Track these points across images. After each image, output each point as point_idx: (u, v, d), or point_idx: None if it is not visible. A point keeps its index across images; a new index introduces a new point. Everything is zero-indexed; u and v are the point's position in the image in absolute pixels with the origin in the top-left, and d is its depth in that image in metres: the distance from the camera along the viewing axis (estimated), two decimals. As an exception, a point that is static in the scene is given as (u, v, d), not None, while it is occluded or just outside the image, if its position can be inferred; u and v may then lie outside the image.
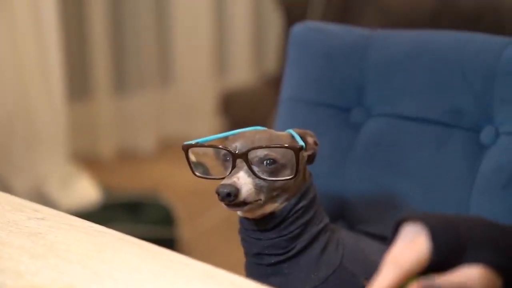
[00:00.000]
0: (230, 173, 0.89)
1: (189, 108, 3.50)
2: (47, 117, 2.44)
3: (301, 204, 0.93)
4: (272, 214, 0.92)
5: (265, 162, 0.90)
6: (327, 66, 1.21)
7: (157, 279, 0.71)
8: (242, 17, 3.62)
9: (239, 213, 0.94)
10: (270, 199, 0.91)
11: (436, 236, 0.70)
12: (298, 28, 1.26)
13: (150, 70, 3.35)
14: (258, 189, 0.89)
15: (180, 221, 2.41)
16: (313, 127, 1.00)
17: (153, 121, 3.39)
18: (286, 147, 0.90)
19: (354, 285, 0.93)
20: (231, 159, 0.90)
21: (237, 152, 0.90)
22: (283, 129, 0.96)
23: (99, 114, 3.21)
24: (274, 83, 2.34)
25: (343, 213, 1.15)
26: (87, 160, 3.01)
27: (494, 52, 1.07)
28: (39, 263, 0.74)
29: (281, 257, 0.93)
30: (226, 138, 0.95)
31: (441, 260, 0.69)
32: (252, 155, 0.89)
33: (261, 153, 0.90)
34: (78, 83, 3.12)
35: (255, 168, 0.89)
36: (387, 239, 0.77)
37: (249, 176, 0.89)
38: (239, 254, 0.98)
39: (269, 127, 0.99)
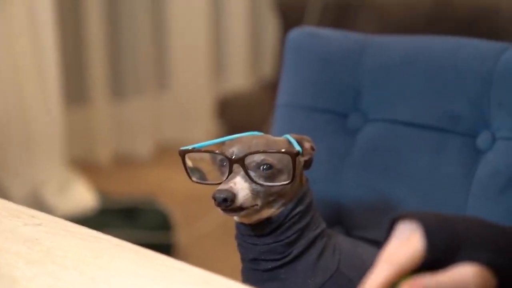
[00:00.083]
0: (226, 178, 0.89)
1: (186, 113, 3.50)
2: (44, 122, 2.44)
3: (297, 210, 0.93)
4: (268, 220, 0.92)
5: (261, 167, 0.89)
6: (324, 71, 1.21)
7: (153, 285, 0.71)
8: (239, 22, 3.62)
9: (235, 218, 0.93)
10: (267, 204, 0.91)
11: (430, 234, 0.69)
12: (295, 33, 1.26)
13: (147, 75, 3.35)
14: (254, 194, 0.89)
15: (177, 226, 2.41)
16: (310, 132, 1.00)
17: (150, 126, 3.39)
18: (283, 152, 0.90)
19: (351, 290, 0.93)
20: (227, 164, 0.90)
21: (233, 157, 0.90)
22: (280, 134, 0.96)
23: (96, 119, 3.21)
24: (271, 87, 2.34)
25: (340, 219, 1.15)
26: (84, 165, 3.01)
27: (491, 57, 1.07)
28: (35, 269, 0.74)
29: (278, 263, 0.93)
30: (223, 143, 0.95)
31: (435, 258, 0.69)
32: (248, 160, 0.89)
33: (257, 158, 0.90)
34: (75, 88, 3.12)
35: (252, 173, 0.89)
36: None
37: (245, 181, 0.89)
38: (235, 259, 0.98)
39: (266, 132, 0.99)
